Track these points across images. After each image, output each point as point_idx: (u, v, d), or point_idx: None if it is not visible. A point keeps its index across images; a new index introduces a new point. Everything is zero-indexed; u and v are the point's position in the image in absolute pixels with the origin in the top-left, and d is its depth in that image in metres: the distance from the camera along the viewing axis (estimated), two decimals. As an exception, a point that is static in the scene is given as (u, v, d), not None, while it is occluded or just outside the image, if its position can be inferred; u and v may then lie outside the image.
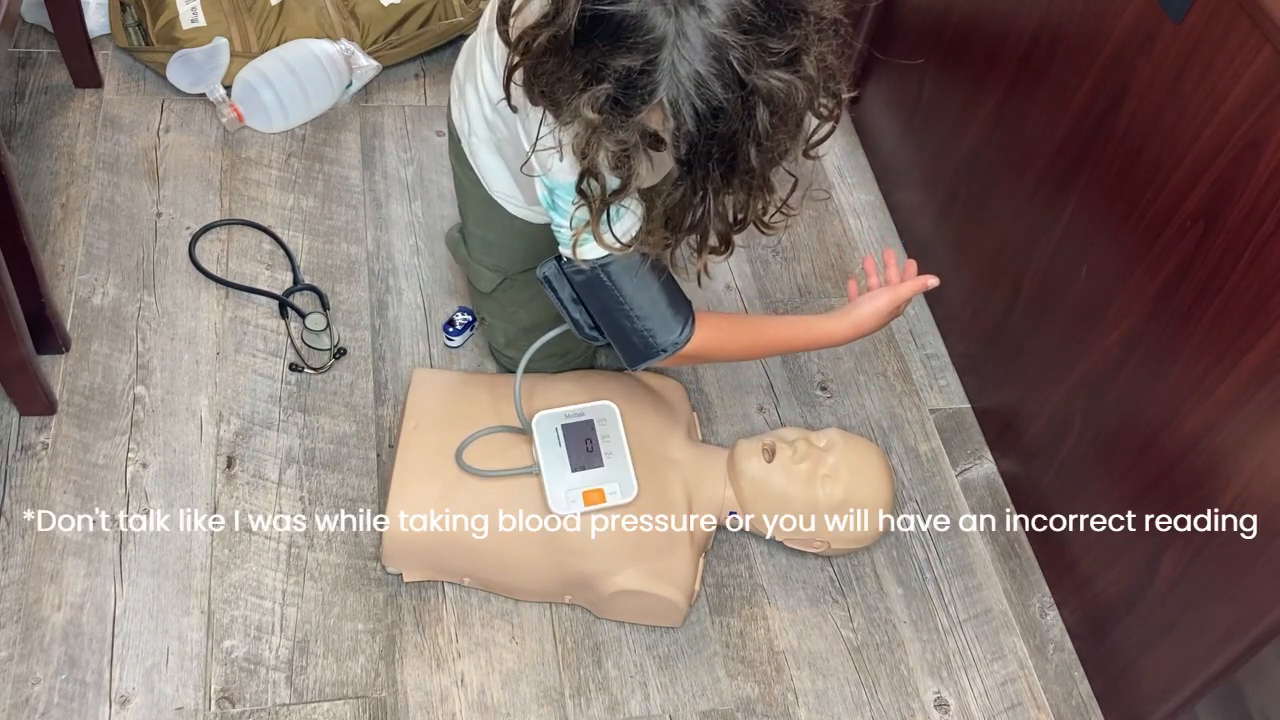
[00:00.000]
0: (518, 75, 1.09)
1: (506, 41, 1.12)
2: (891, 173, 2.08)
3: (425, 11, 2.14)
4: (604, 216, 1.16)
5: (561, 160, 1.16)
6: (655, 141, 1.06)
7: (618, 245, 1.19)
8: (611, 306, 1.28)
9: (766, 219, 1.17)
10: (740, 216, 1.14)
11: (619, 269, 1.26)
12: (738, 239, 1.25)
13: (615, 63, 0.98)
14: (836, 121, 1.12)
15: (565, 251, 1.27)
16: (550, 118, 1.09)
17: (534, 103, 1.10)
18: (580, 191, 1.13)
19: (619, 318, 1.29)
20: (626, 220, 1.21)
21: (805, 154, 1.13)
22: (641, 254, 1.26)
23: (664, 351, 1.30)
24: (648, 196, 1.20)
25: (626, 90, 0.99)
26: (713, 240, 1.18)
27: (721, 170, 1.04)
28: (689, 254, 1.22)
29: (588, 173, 1.09)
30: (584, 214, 1.17)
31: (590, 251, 1.23)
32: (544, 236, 1.48)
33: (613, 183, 1.12)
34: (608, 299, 1.28)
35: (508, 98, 1.16)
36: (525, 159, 1.19)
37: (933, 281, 1.42)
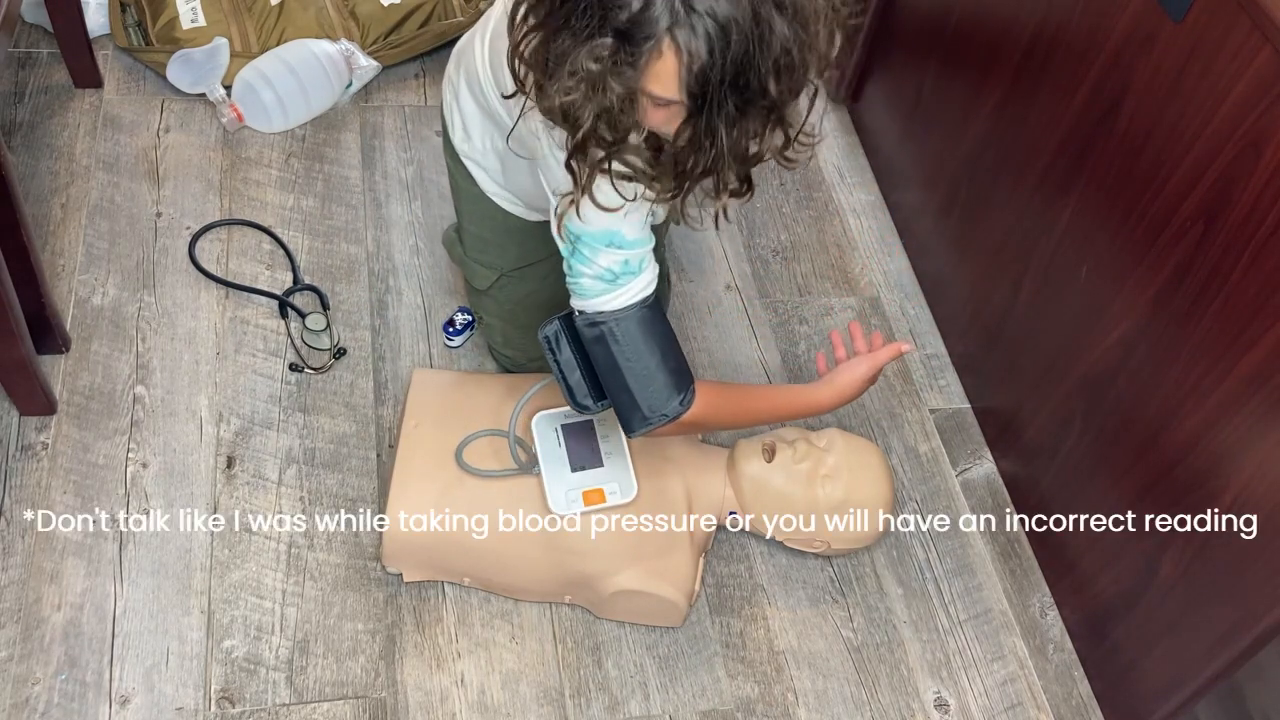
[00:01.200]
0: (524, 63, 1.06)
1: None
2: (891, 173, 2.08)
3: (425, 11, 2.14)
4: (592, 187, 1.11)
5: (558, 152, 1.12)
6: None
7: (619, 202, 1.13)
8: (617, 368, 1.25)
9: (787, 151, 1.10)
10: (757, 149, 1.08)
11: (633, 324, 1.22)
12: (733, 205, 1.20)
13: (614, 2, 0.94)
14: (846, 27, 1.06)
15: (578, 304, 1.24)
16: (529, 98, 1.05)
17: (526, 91, 1.06)
18: (569, 168, 1.09)
19: (623, 380, 1.25)
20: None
21: (823, 69, 1.06)
22: (649, 311, 1.22)
23: (664, 417, 1.27)
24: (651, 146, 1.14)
25: (632, 29, 0.95)
26: (731, 182, 1.12)
27: (735, 99, 0.99)
28: (702, 199, 1.15)
29: (582, 143, 1.05)
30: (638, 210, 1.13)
31: (609, 303, 1.21)
32: (538, 233, 1.48)
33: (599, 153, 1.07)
34: (614, 359, 1.24)
35: (520, 87, 1.10)
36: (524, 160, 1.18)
37: (906, 348, 1.43)
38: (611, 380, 1.26)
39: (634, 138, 1.07)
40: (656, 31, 0.95)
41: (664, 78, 0.99)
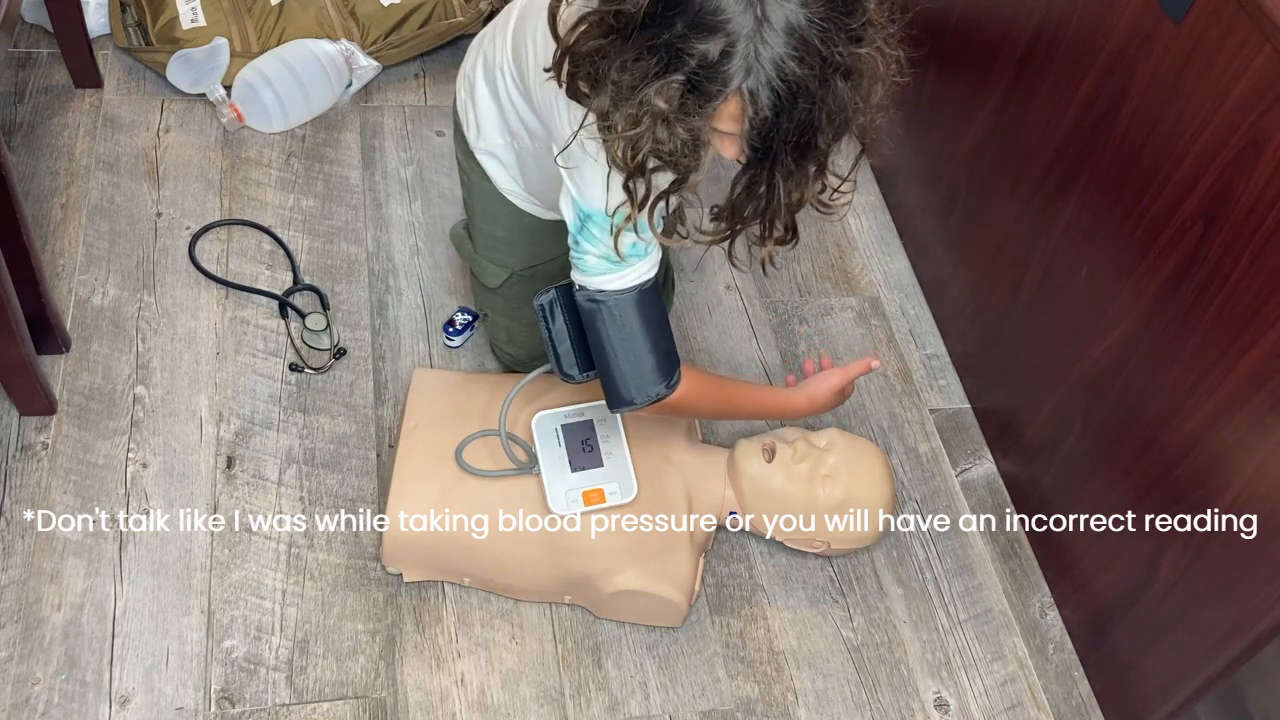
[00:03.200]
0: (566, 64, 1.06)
1: (554, 31, 1.08)
2: (891, 173, 2.08)
3: (425, 11, 2.14)
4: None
5: (595, 168, 1.14)
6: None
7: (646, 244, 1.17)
8: (610, 345, 1.27)
9: (826, 197, 1.15)
10: (799, 197, 1.11)
11: (630, 305, 1.24)
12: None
13: (693, 48, 0.95)
14: (894, 85, 1.09)
15: (580, 279, 1.25)
16: (588, 117, 1.06)
17: (575, 97, 1.06)
18: (626, 189, 1.10)
19: (614, 358, 1.28)
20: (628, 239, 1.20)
21: (873, 123, 1.10)
22: (647, 294, 1.24)
23: (649, 398, 1.29)
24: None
25: (705, 77, 0.96)
26: (778, 230, 1.15)
27: (794, 155, 1.02)
28: (749, 244, 1.18)
29: (636, 171, 1.06)
30: (622, 214, 1.15)
31: (610, 283, 1.23)
32: (552, 231, 1.48)
33: (660, 181, 1.09)
34: (609, 337, 1.26)
35: (561, 81, 1.10)
36: (554, 162, 1.17)
37: (875, 364, 1.50)
38: (602, 356, 1.29)
39: (694, 178, 1.09)
40: (729, 86, 0.97)
41: (729, 122, 1.01)
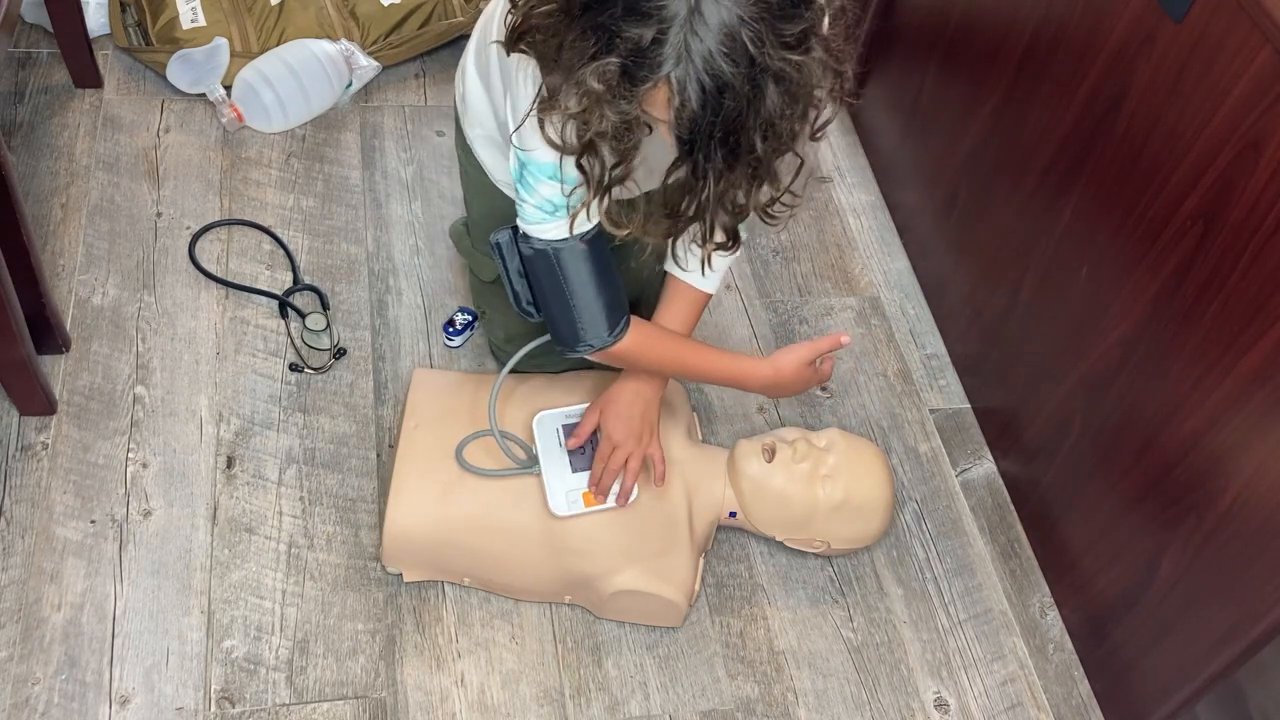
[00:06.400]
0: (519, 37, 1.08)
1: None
2: (891, 173, 2.08)
3: (425, 11, 2.14)
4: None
5: (542, 134, 1.15)
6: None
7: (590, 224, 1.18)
8: (552, 289, 1.30)
9: (771, 208, 1.16)
10: (743, 204, 1.13)
11: (570, 254, 1.26)
12: (743, 234, 1.24)
13: (626, 32, 0.96)
14: (843, 103, 1.11)
15: (523, 227, 1.27)
16: (543, 88, 1.08)
17: (541, 67, 1.08)
18: (580, 168, 1.11)
19: (557, 301, 1.30)
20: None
21: (812, 137, 1.12)
22: (589, 246, 1.26)
23: (591, 346, 1.32)
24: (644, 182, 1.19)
25: (635, 62, 0.97)
26: (718, 235, 1.17)
27: (724, 153, 1.02)
28: (688, 244, 1.21)
29: (588, 149, 1.08)
30: (581, 194, 1.16)
31: (548, 231, 1.24)
32: None
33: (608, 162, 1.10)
34: (551, 281, 1.29)
35: (507, 49, 1.14)
36: (514, 126, 1.19)
37: (845, 339, 1.46)
38: (546, 301, 1.31)
39: (630, 164, 1.09)
40: (657, 72, 0.98)
41: (661, 110, 1.02)
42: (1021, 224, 1.64)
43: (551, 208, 1.22)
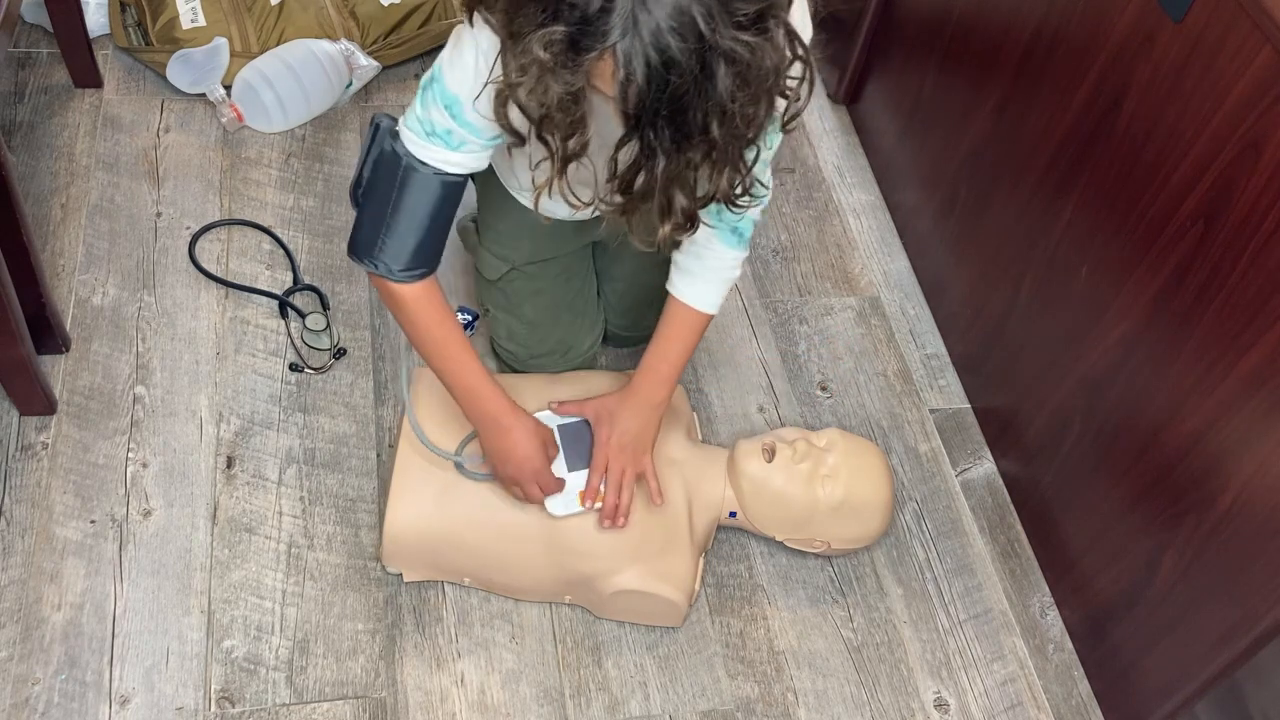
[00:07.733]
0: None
1: None
2: (891, 173, 2.08)
3: (425, 11, 2.14)
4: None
5: (467, 52, 1.15)
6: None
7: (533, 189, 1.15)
8: (384, 195, 1.28)
9: (735, 198, 1.12)
10: (707, 190, 1.09)
11: (418, 179, 1.25)
12: (704, 218, 1.20)
13: (575, 0, 0.94)
14: (809, 93, 1.07)
15: (399, 128, 1.26)
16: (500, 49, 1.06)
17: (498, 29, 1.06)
18: (543, 140, 1.08)
19: (378, 209, 1.28)
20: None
21: (784, 128, 1.09)
22: (442, 187, 1.25)
23: (377, 267, 1.30)
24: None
25: (580, 31, 0.95)
26: (677, 216, 1.11)
27: (672, 132, 0.99)
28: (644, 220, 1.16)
29: (545, 117, 1.04)
30: (479, 154, 1.18)
31: (413, 146, 1.24)
32: (555, 232, 1.48)
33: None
34: (387, 188, 1.27)
35: (467, 10, 1.14)
36: (447, 55, 1.20)
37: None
38: (371, 201, 1.30)
39: (579, 137, 1.06)
40: (603, 43, 0.95)
41: (607, 83, 0.99)
42: (1021, 224, 1.64)
43: (431, 128, 1.22)
